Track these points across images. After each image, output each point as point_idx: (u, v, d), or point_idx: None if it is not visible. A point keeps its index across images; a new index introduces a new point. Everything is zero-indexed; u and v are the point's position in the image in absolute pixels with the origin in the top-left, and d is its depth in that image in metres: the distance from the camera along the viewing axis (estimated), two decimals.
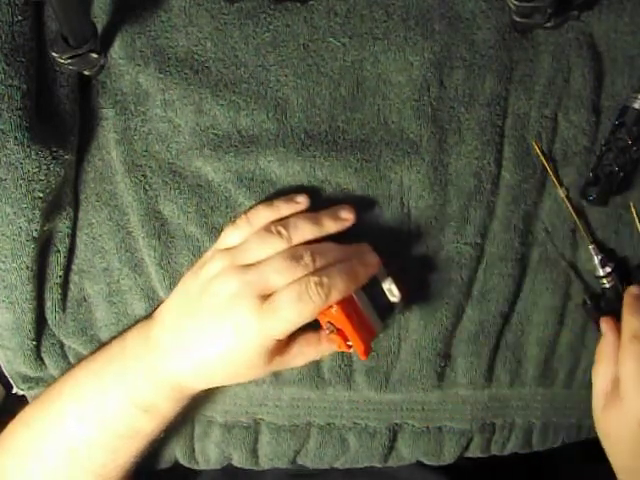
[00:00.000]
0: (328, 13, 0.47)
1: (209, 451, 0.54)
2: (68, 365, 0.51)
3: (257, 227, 0.45)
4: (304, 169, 0.48)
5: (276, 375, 0.51)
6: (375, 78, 0.48)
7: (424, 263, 0.50)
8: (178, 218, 0.48)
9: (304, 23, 0.47)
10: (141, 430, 0.46)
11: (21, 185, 0.43)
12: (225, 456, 0.54)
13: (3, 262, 0.45)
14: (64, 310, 0.49)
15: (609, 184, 0.49)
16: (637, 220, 0.51)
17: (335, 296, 0.42)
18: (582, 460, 0.66)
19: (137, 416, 0.45)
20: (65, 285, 0.49)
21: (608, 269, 0.51)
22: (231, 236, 0.46)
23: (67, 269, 0.49)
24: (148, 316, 0.49)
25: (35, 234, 0.45)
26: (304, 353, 0.47)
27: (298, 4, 0.47)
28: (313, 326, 0.45)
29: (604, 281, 0.51)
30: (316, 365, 0.51)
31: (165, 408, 0.46)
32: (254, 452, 0.54)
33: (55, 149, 0.44)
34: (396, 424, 0.54)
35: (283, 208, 0.46)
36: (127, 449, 0.47)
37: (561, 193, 0.50)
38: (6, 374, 0.52)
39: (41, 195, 0.44)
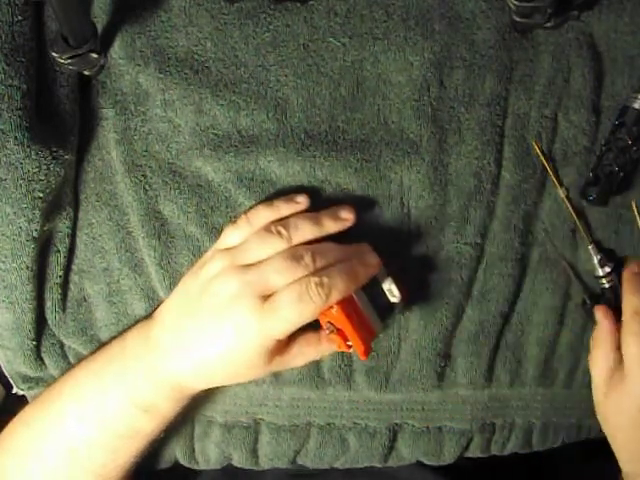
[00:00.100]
0: (328, 13, 0.47)
1: (209, 451, 0.54)
2: (68, 365, 0.51)
3: (257, 227, 0.45)
4: (304, 169, 0.48)
5: (276, 375, 0.51)
6: (375, 78, 0.48)
7: (424, 263, 0.50)
8: (178, 218, 0.48)
9: (304, 23, 0.47)
10: (141, 430, 0.46)
11: (21, 185, 0.43)
12: (225, 456, 0.54)
13: (3, 262, 0.45)
14: (64, 310, 0.49)
15: (609, 184, 0.49)
16: (638, 218, 0.51)
17: (335, 296, 0.42)
18: (582, 460, 0.66)
19: (137, 416, 0.45)
20: (65, 285, 0.49)
21: (607, 269, 0.51)
22: (231, 236, 0.46)
23: (67, 269, 0.49)
24: (148, 316, 0.49)
25: (35, 234, 0.45)
26: (304, 353, 0.47)
27: (298, 4, 0.47)
28: (313, 326, 0.45)
29: (603, 281, 0.52)
30: (316, 365, 0.51)
31: (165, 408, 0.46)
32: (254, 452, 0.54)
33: (55, 149, 0.44)
34: (396, 424, 0.54)
35: (283, 208, 0.46)
36: (127, 449, 0.47)
37: (561, 193, 0.50)
38: (6, 374, 0.52)
39: (41, 195, 0.44)
